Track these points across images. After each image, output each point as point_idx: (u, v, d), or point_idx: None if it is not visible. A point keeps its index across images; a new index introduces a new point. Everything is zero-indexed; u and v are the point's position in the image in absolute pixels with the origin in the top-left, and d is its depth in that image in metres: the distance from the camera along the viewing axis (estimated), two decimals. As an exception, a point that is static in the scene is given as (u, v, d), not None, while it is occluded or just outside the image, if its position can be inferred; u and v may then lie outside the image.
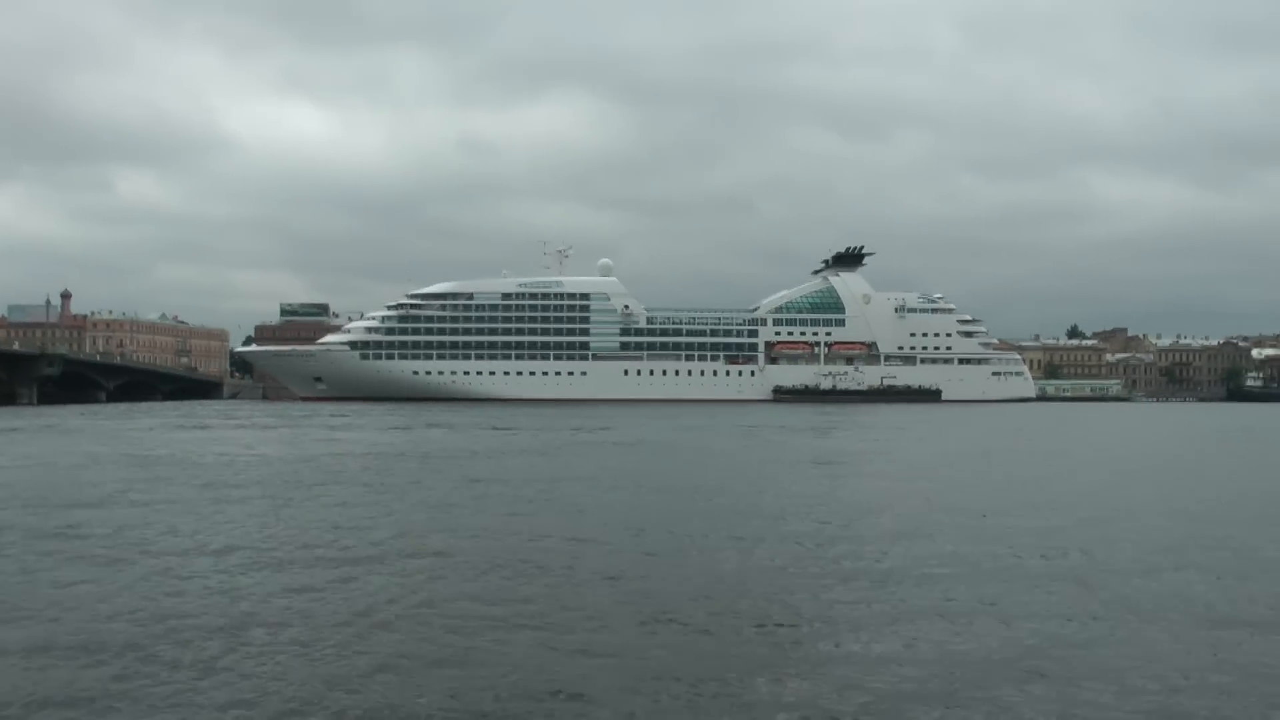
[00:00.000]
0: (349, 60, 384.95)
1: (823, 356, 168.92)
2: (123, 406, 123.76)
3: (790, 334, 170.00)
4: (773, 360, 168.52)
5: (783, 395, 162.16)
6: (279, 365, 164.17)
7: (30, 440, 54.15)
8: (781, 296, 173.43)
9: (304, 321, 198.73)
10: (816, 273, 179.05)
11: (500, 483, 30.90)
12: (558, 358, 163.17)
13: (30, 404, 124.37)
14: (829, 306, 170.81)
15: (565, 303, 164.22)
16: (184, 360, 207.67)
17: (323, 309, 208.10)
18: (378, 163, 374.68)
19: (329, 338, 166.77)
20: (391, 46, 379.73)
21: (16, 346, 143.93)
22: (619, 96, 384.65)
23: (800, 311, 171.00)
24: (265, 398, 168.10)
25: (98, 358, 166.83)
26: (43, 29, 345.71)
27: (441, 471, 35.04)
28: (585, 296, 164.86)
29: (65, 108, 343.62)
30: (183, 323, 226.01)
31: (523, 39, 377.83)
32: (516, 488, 29.49)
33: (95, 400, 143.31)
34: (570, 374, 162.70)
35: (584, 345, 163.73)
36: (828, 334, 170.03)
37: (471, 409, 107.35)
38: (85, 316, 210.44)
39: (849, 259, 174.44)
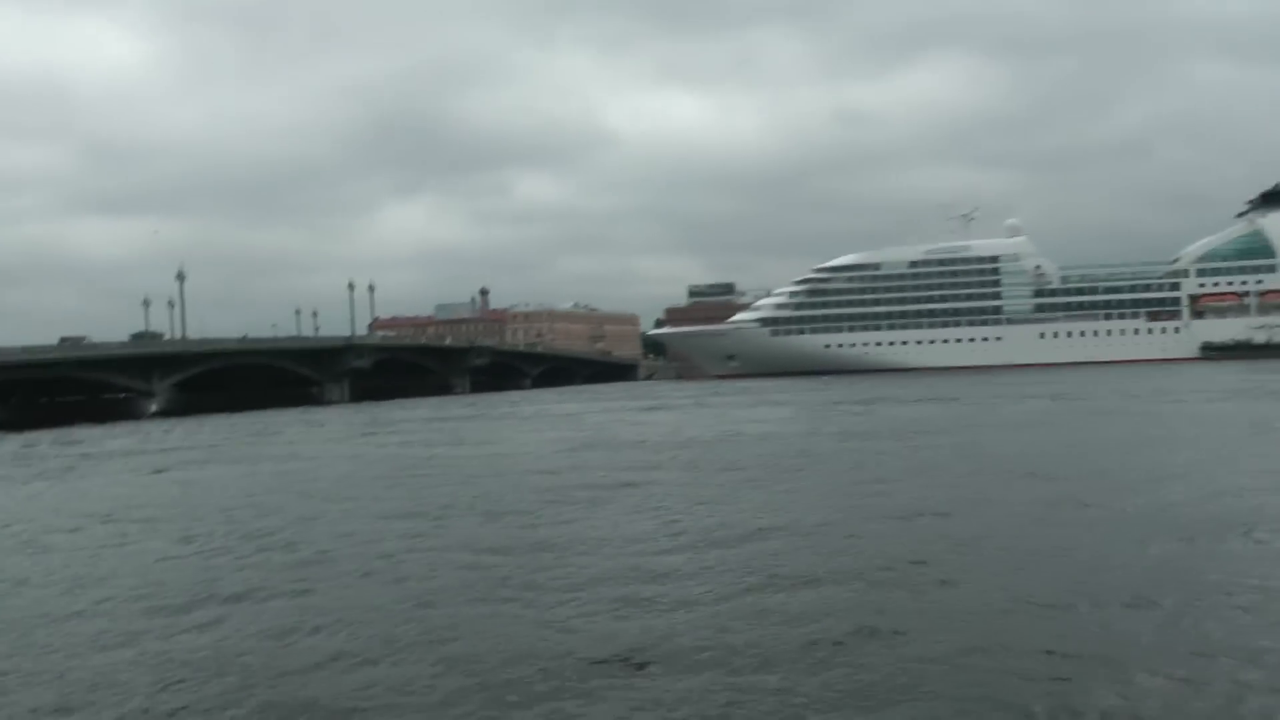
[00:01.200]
0: (718, 45, 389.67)
1: (1253, 307, 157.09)
2: (568, 391, 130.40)
3: (1215, 285, 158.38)
4: (1198, 315, 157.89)
5: (1212, 352, 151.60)
6: (691, 345, 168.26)
7: (497, 426, 58.10)
8: (1203, 244, 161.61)
9: (711, 301, 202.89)
10: (1241, 215, 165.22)
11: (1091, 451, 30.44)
12: (969, 323, 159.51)
13: (464, 393, 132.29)
14: (1258, 252, 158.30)
15: (974, 267, 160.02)
16: (598, 345, 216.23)
17: (728, 288, 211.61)
18: (756, 143, 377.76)
19: (739, 316, 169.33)
20: (757, 28, 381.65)
21: (449, 341, 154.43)
22: (993, 51, 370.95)
23: (1225, 260, 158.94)
24: (679, 377, 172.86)
25: (521, 348, 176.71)
26: (437, 53, 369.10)
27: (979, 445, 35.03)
28: (994, 259, 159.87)
29: (462, 122, 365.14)
30: (594, 310, 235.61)
31: (885, 8, 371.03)
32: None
33: (520, 387, 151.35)
34: (983, 340, 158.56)
35: (995, 310, 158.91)
36: (1258, 282, 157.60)
37: (890, 381, 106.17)
38: (504, 310, 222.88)
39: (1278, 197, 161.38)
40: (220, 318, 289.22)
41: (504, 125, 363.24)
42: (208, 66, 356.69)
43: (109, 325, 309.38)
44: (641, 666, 10.84)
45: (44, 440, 60.89)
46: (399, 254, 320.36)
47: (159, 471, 37.25)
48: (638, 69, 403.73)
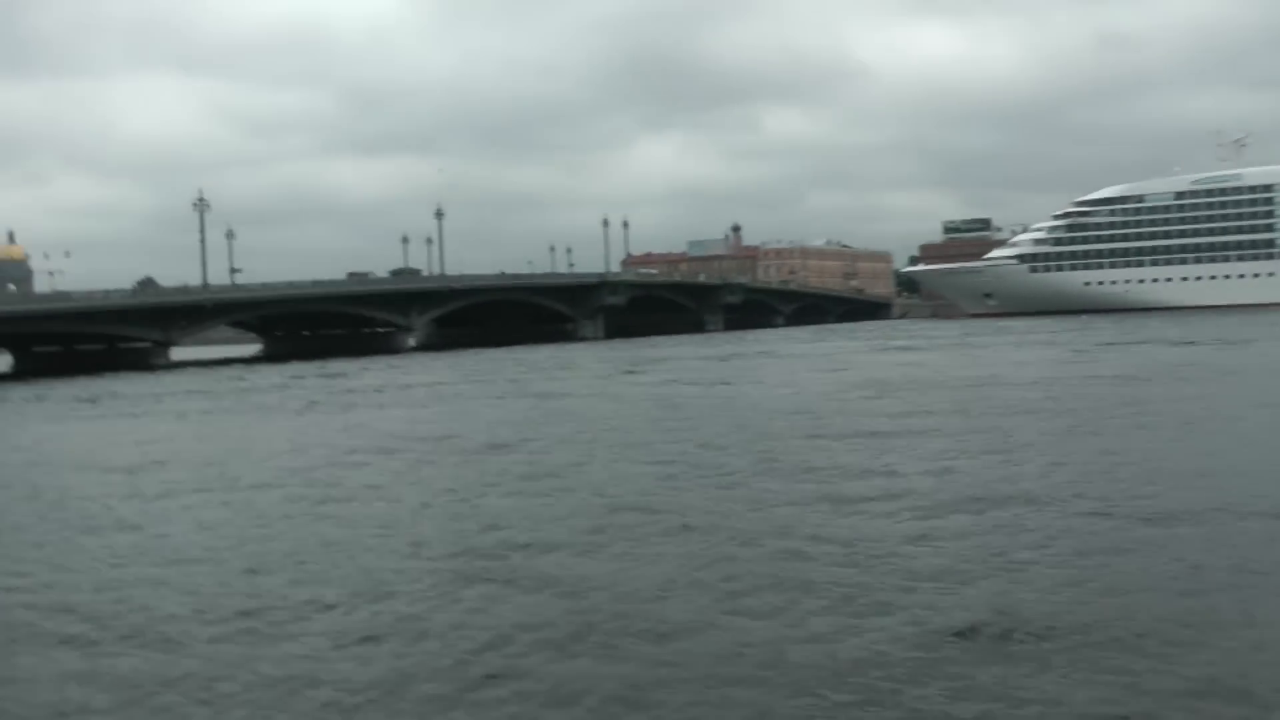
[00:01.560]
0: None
1: None
2: (822, 329, 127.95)
3: None
4: None
5: None
6: (947, 283, 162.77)
7: (760, 365, 56.10)
8: None
9: (967, 238, 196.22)
10: None
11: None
12: (1240, 259, 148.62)
13: (718, 330, 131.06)
14: None
15: (1245, 197, 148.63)
16: (852, 283, 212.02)
17: (984, 224, 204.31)
18: (1012, 73, 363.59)
19: (996, 252, 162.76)
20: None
21: (702, 278, 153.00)
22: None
23: None
24: (934, 316, 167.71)
25: (774, 285, 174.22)
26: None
27: None
28: (1268, 189, 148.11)
29: (711, 58, 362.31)
30: (846, 247, 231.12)
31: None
32: None
33: (773, 325, 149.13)
34: (1254, 276, 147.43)
35: (1268, 244, 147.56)
36: None
37: (1159, 320, 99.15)
38: (756, 247, 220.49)
39: None
40: (475, 255, 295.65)
41: (754, 59, 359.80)
42: (461, 9, 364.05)
43: (366, 261, 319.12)
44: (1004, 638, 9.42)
45: (326, 370, 62.11)
46: (650, 191, 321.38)
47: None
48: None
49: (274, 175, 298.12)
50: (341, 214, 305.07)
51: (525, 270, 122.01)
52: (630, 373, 52.63)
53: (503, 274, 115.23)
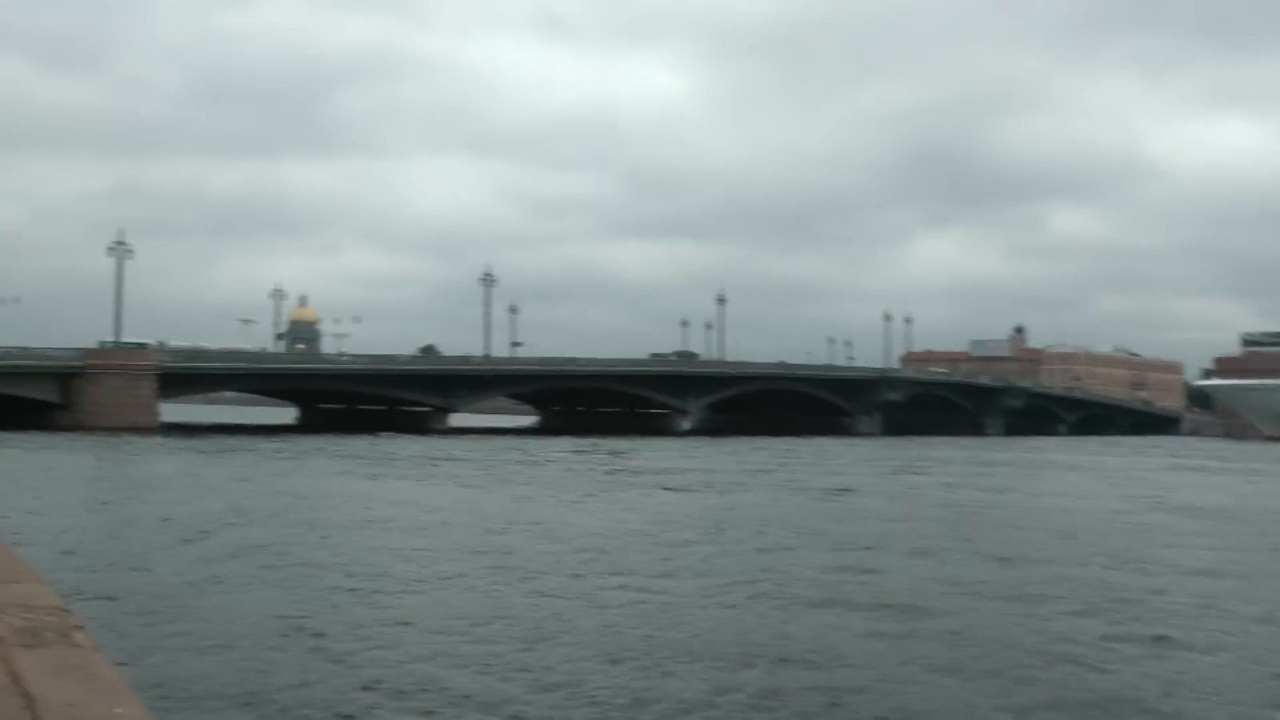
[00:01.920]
0: (1277, 63, 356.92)
1: None
2: (1107, 441, 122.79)
3: None
4: None
5: None
6: (1245, 400, 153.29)
7: (1054, 477, 53.96)
8: None
9: (1268, 352, 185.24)
10: None
11: None
12: None
13: (997, 434, 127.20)
14: None
15: None
16: (1139, 394, 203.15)
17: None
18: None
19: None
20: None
21: (984, 380, 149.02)
22: None
23: None
24: (1227, 435, 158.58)
25: (1057, 391, 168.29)
26: (971, 81, 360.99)
27: None
28: None
29: (997, 152, 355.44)
30: (1134, 355, 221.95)
31: None
32: None
33: (1055, 433, 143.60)
34: None
35: None
36: None
37: None
38: (1040, 350, 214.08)
39: None
40: (752, 342, 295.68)
41: (1040, 155, 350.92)
42: (746, 98, 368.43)
43: (644, 342, 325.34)
44: None
45: (600, 448, 63.17)
46: (930, 286, 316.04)
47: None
48: (1185, 92, 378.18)
49: (555, 254, 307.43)
50: (619, 294, 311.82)
51: (802, 360, 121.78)
52: (915, 474, 51.51)
53: (782, 363, 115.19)
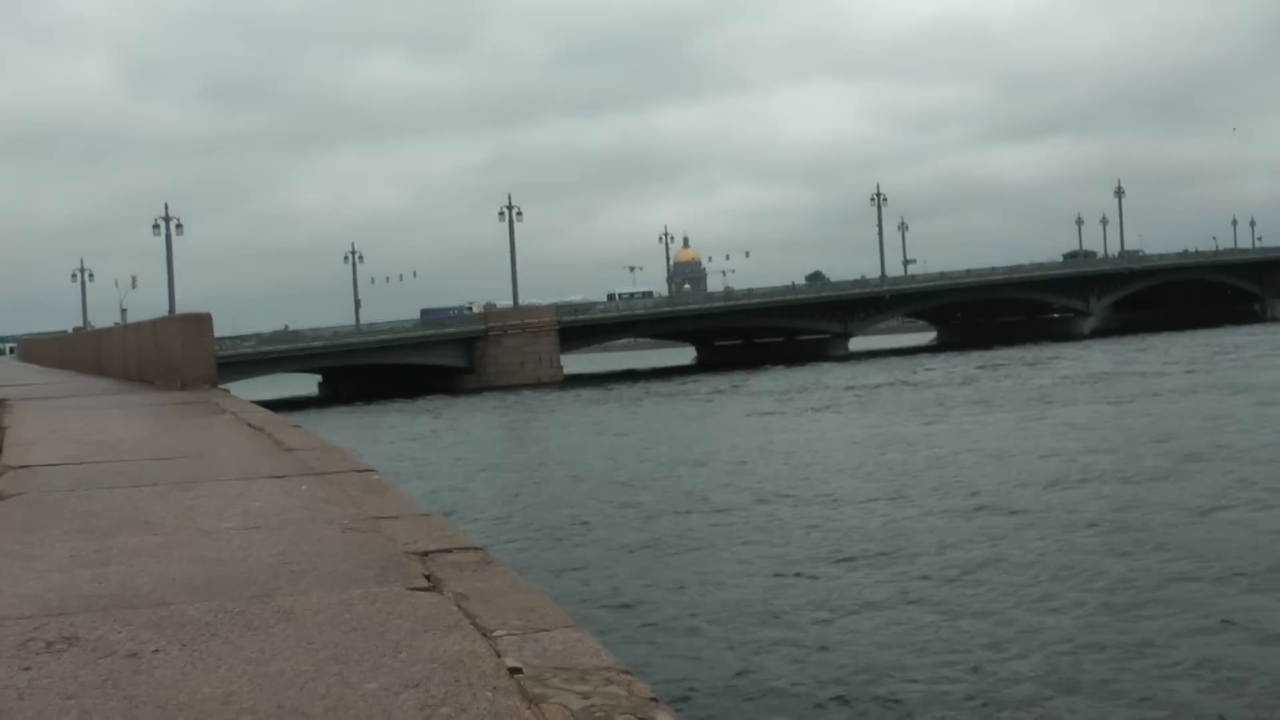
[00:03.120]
0: None
1: None
2: None
3: None
4: None
5: None
6: None
7: None
8: None
9: None
10: None
11: None
12: None
13: None
14: None
15: None
16: None
17: None
18: None
19: None
20: None
21: None
22: None
23: None
24: None
25: None
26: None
27: None
28: None
29: None
30: None
31: None
32: None
33: None
34: None
35: None
36: None
37: None
38: None
39: None
40: (1145, 233, 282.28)
41: None
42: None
43: (1029, 247, 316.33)
44: None
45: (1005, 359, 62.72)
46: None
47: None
48: None
49: (932, 168, 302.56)
50: (1001, 201, 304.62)
51: (1208, 248, 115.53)
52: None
53: (1185, 252, 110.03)
